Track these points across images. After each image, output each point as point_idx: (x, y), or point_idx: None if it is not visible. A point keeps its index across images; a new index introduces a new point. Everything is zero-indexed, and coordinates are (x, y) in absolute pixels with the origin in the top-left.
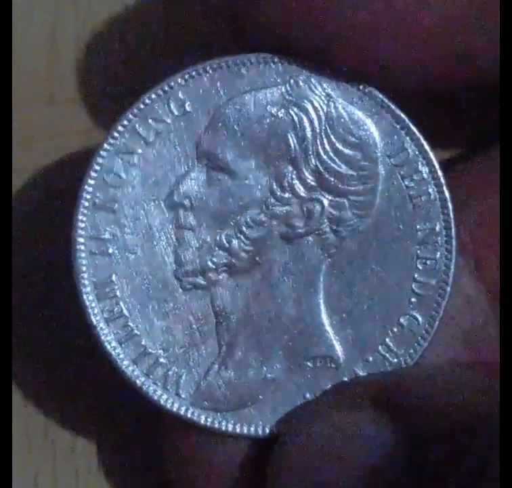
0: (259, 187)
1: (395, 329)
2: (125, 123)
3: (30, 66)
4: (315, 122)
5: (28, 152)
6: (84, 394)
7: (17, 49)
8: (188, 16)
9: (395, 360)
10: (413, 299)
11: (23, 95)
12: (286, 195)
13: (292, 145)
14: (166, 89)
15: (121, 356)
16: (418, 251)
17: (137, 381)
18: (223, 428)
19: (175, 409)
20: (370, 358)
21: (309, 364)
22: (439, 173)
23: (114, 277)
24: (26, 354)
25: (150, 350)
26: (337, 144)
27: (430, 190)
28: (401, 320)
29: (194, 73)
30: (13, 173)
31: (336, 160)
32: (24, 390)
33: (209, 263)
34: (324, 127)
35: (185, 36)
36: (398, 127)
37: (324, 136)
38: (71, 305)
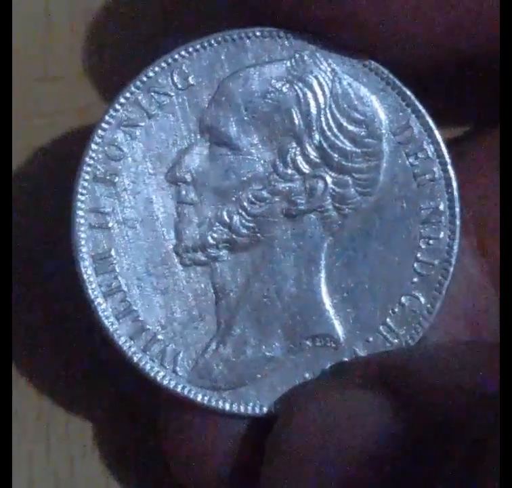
0: (262, 162)
1: (396, 309)
2: (128, 95)
3: (23, 42)
4: (320, 97)
5: (23, 129)
6: (78, 376)
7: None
8: None
9: (396, 340)
10: (415, 279)
11: (17, 72)
12: (289, 171)
13: (296, 120)
14: (170, 61)
15: (118, 331)
16: (422, 230)
17: (134, 358)
18: (221, 407)
19: (171, 387)
20: (371, 338)
21: (308, 343)
22: (444, 151)
23: (112, 251)
24: (20, 335)
25: (147, 326)
26: (341, 120)
27: (435, 169)
28: (403, 300)
29: (198, 46)
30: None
31: (340, 136)
32: (17, 373)
33: (210, 239)
34: (328, 103)
35: (188, 8)
36: (404, 104)
37: (328, 112)
38: (69, 282)
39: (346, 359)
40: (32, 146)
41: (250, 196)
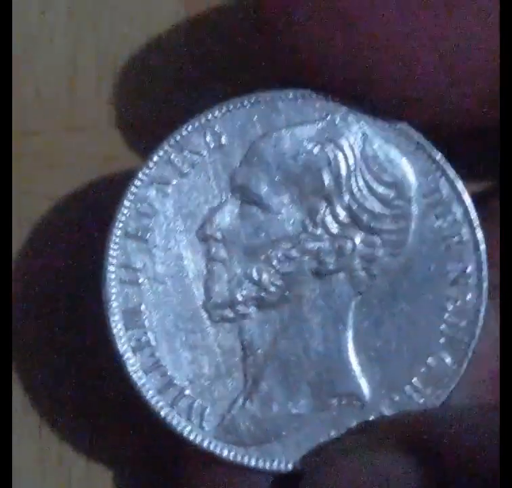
0: (292, 222)
1: (422, 369)
2: (161, 153)
3: (50, 92)
4: (351, 159)
5: (50, 179)
6: (101, 422)
7: (37, 75)
8: (222, 46)
9: (422, 400)
10: (442, 340)
11: (43, 121)
12: (318, 231)
13: (327, 181)
14: (203, 121)
15: (146, 386)
16: (449, 292)
17: (162, 412)
18: (246, 462)
19: (198, 442)
20: (397, 398)
21: (334, 401)
22: (473, 214)
23: (142, 306)
24: (45, 380)
25: (175, 381)
26: (371, 182)
27: (463, 231)
28: (429, 360)
29: (231, 107)
30: (36, 200)
31: (370, 198)
32: (39, 416)
33: (238, 296)
34: (358, 165)
35: (217, 68)
36: (433, 167)
37: (358, 174)
38: (97, 333)
39: (372, 418)
40: (57, 196)
41: (279, 254)
